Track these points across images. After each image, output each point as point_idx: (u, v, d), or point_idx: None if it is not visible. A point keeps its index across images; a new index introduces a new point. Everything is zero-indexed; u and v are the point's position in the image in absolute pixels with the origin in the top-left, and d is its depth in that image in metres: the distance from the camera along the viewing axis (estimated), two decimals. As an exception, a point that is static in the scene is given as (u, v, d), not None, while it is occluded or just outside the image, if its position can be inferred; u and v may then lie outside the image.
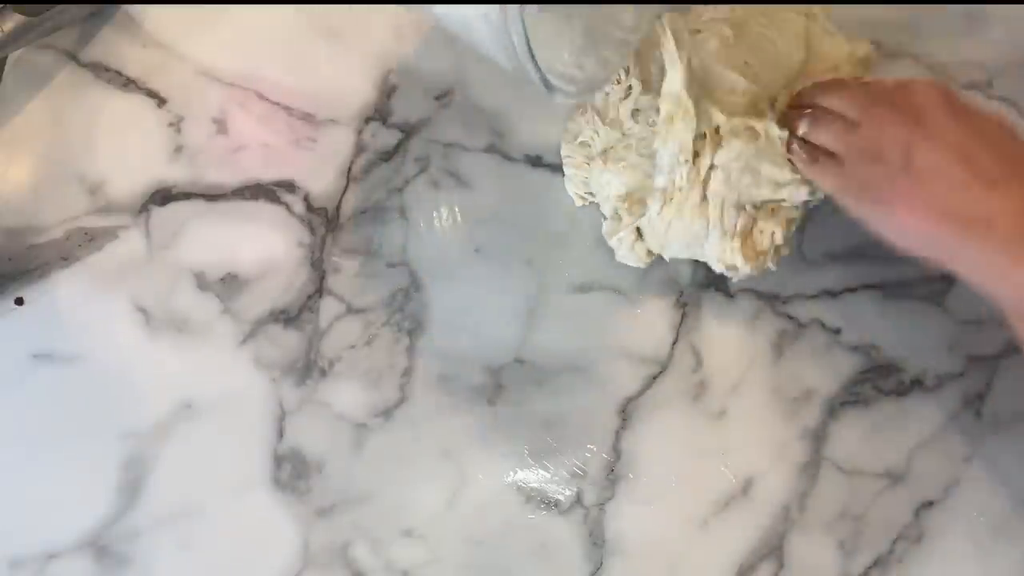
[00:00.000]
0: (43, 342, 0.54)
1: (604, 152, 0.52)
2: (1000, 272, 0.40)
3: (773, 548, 0.53)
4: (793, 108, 0.49)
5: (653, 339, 0.54)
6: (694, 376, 0.54)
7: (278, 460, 0.53)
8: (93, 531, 0.52)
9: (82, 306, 0.54)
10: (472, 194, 0.55)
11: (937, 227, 0.41)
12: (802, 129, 0.47)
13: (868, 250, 0.53)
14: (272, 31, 0.56)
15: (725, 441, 0.53)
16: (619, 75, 0.52)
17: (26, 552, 0.52)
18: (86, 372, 0.54)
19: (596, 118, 0.52)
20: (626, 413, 0.54)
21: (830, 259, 0.54)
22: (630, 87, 0.52)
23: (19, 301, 0.54)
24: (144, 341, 0.54)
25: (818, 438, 0.53)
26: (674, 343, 0.54)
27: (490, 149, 0.55)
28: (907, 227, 0.42)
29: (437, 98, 0.56)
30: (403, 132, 0.56)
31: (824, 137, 0.46)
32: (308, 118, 0.56)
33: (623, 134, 0.52)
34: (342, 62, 0.56)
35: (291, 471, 0.53)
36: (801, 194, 0.49)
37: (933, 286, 0.54)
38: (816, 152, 0.47)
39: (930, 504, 0.53)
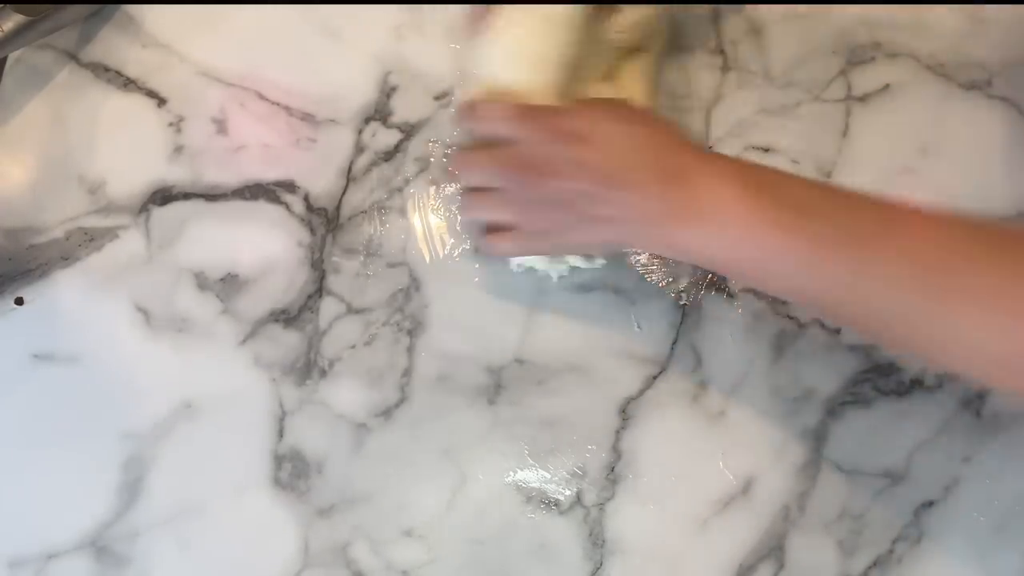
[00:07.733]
0: (43, 342, 0.54)
1: None
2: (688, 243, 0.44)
3: (773, 548, 0.53)
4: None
5: (653, 339, 0.54)
6: (694, 376, 0.54)
7: (278, 460, 0.53)
8: (93, 531, 0.52)
9: (82, 306, 0.54)
10: (472, 194, 0.55)
11: (618, 238, 0.46)
12: (466, 214, 0.49)
13: (868, 250, 0.53)
14: (272, 31, 0.56)
15: (725, 441, 0.53)
16: None
17: (26, 552, 0.52)
18: (86, 372, 0.54)
19: None
20: (626, 413, 0.54)
21: (830, 259, 0.54)
22: None
23: (19, 301, 0.54)
24: (144, 341, 0.54)
25: (818, 438, 0.53)
26: (674, 343, 0.54)
27: (490, 149, 0.55)
28: (605, 239, 0.47)
29: (437, 98, 0.56)
30: (403, 132, 0.56)
31: (486, 213, 0.49)
32: (308, 118, 0.56)
33: None
34: (342, 62, 0.56)
35: (291, 471, 0.53)
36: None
37: (933, 286, 0.54)
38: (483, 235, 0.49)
39: (930, 504, 0.53)
